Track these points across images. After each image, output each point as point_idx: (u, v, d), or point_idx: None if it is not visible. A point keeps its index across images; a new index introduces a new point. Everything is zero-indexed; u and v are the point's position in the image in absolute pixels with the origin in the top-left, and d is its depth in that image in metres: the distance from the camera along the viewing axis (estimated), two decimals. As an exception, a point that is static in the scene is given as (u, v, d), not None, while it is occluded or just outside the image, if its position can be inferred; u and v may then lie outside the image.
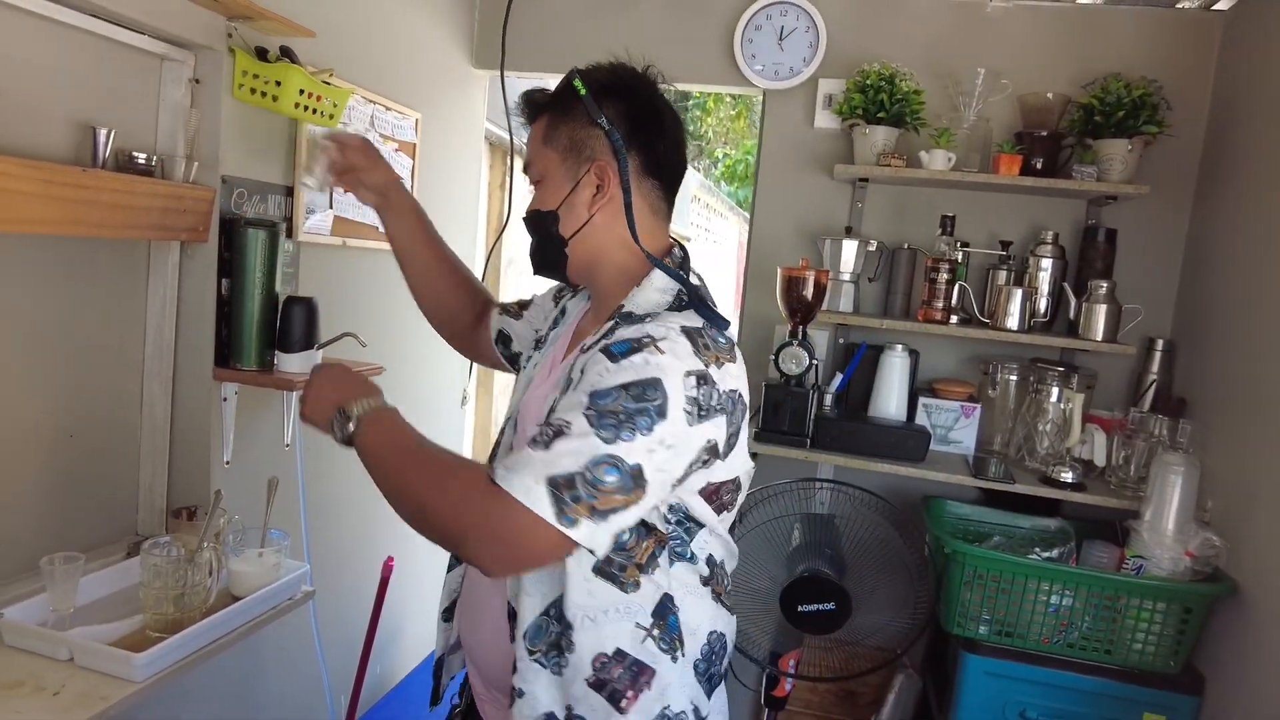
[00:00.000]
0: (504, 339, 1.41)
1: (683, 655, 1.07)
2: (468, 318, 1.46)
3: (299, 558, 1.89)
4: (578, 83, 1.09)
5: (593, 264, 1.15)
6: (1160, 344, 2.21)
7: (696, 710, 1.09)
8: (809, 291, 2.08)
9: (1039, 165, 2.19)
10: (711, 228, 10.48)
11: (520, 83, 2.80)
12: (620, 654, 1.05)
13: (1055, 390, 2.14)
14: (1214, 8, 2.24)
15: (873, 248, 2.36)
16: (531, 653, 1.07)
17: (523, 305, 1.41)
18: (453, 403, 2.92)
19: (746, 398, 1.06)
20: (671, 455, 0.96)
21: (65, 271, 1.48)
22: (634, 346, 0.98)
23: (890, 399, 2.23)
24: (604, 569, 1.04)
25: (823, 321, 2.25)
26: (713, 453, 1.01)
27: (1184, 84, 2.20)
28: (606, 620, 1.05)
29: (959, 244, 2.27)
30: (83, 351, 1.54)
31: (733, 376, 1.02)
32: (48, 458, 1.50)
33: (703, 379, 0.98)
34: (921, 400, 2.27)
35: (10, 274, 1.38)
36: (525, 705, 1.07)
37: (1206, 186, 2.21)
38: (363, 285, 2.19)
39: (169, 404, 1.70)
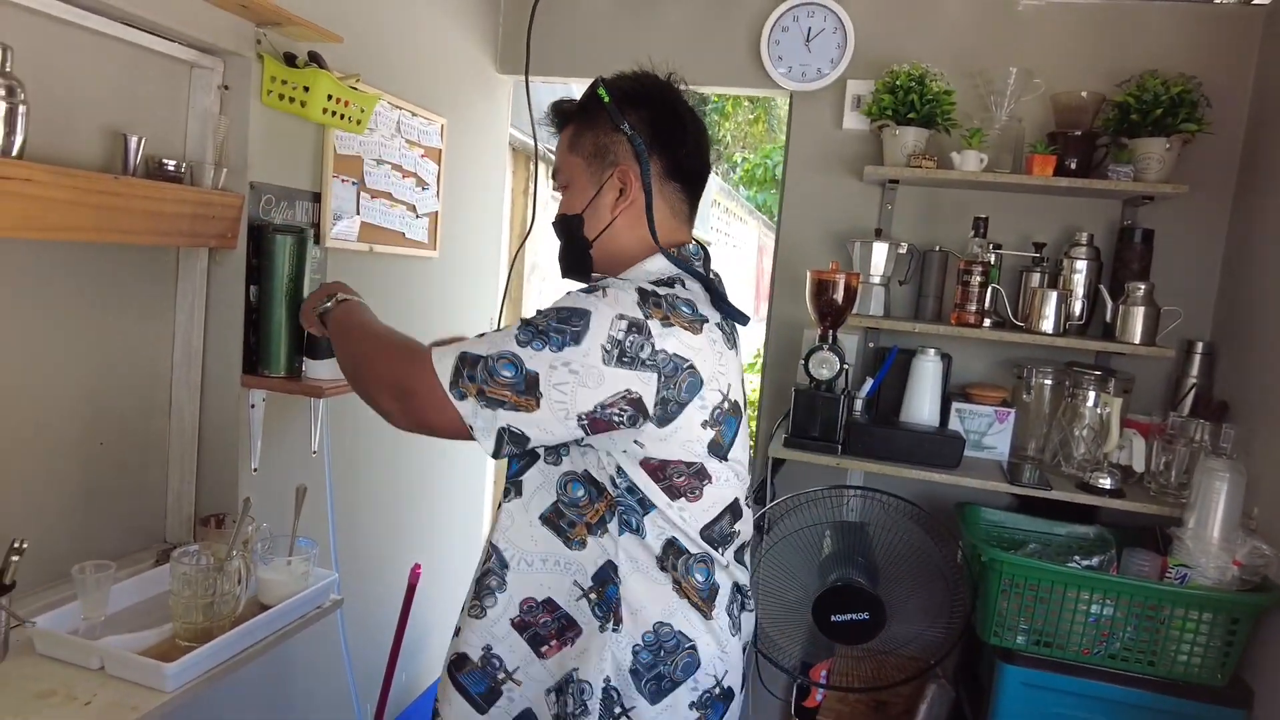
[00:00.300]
0: None
1: (615, 630, 1.07)
2: None
3: (327, 565, 1.89)
4: (601, 91, 1.14)
5: (615, 265, 1.18)
6: (1200, 346, 2.16)
7: (620, 697, 1.07)
8: (839, 295, 2.04)
9: (1073, 165, 2.14)
10: (731, 232, 10.45)
11: (545, 88, 2.80)
12: (551, 603, 1.11)
13: (1092, 394, 2.10)
14: (1254, 2, 2.19)
15: (903, 250, 2.33)
16: (470, 609, 1.16)
17: None
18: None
19: (705, 375, 1.06)
20: (574, 381, 1.00)
21: (96, 279, 1.48)
22: (588, 289, 1.06)
23: (923, 404, 2.19)
24: (551, 519, 1.11)
25: (852, 325, 2.22)
26: (636, 407, 1.02)
27: (1223, 80, 2.15)
28: (544, 569, 1.11)
29: (991, 246, 2.23)
30: (112, 359, 1.54)
31: (682, 343, 1.04)
32: (79, 465, 1.49)
33: (635, 326, 1.02)
34: (954, 405, 2.23)
35: (42, 282, 1.38)
36: (449, 652, 1.17)
37: (1247, 184, 2.16)
38: (390, 291, 2.18)
39: (197, 411, 1.69)
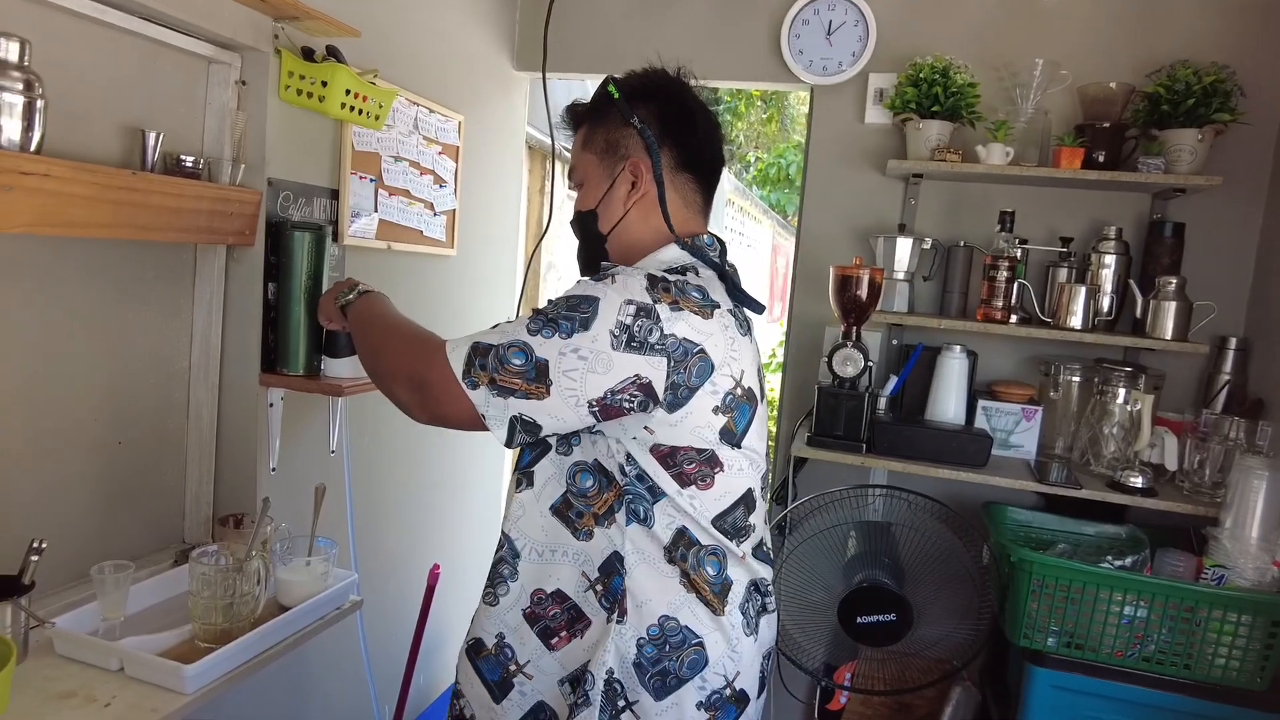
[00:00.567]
0: None
1: (619, 622, 1.06)
2: None
3: (346, 566, 1.87)
4: (611, 87, 1.17)
5: (630, 257, 1.18)
6: (1233, 342, 2.11)
7: (623, 690, 1.06)
8: (863, 291, 2.01)
9: (1101, 158, 2.10)
10: (745, 231, 10.41)
11: (562, 85, 2.78)
12: (560, 594, 1.11)
13: (1122, 391, 2.05)
14: (1287, -10, 2.14)
15: (927, 245, 2.29)
16: (485, 595, 1.18)
17: None
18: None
19: (717, 360, 1.05)
20: (584, 367, 1.00)
21: (114, 277, 1.47)
22: (596, 277, 1.06)
23: (948, 402, 2.15)
24: (561, 510, 1.11)
25: (875, 322, 2.18)
26: (646, 392, 1.01)
27: (1257, 69, 2.10)
28: (554, 559, 1.11)
29: (1017, 241, 2.19)
30: (131, 358, 1.53)
31: (691, 327, 1.03)
32: (97, 465, 1.48)
33: (644, 311, 1.01)
34: (980, 403, 2.19)
35: (61, 280, 1.37)
36: (467, 635, 1.20)
37: (1283, 176, 2.11)
38: (409, 289, 2.16)
39: (215, 410, 1.68)
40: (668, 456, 1.06)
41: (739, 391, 1.09)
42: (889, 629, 1.88)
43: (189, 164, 1.47)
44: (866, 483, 2.25)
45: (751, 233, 10.82)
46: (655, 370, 1.01)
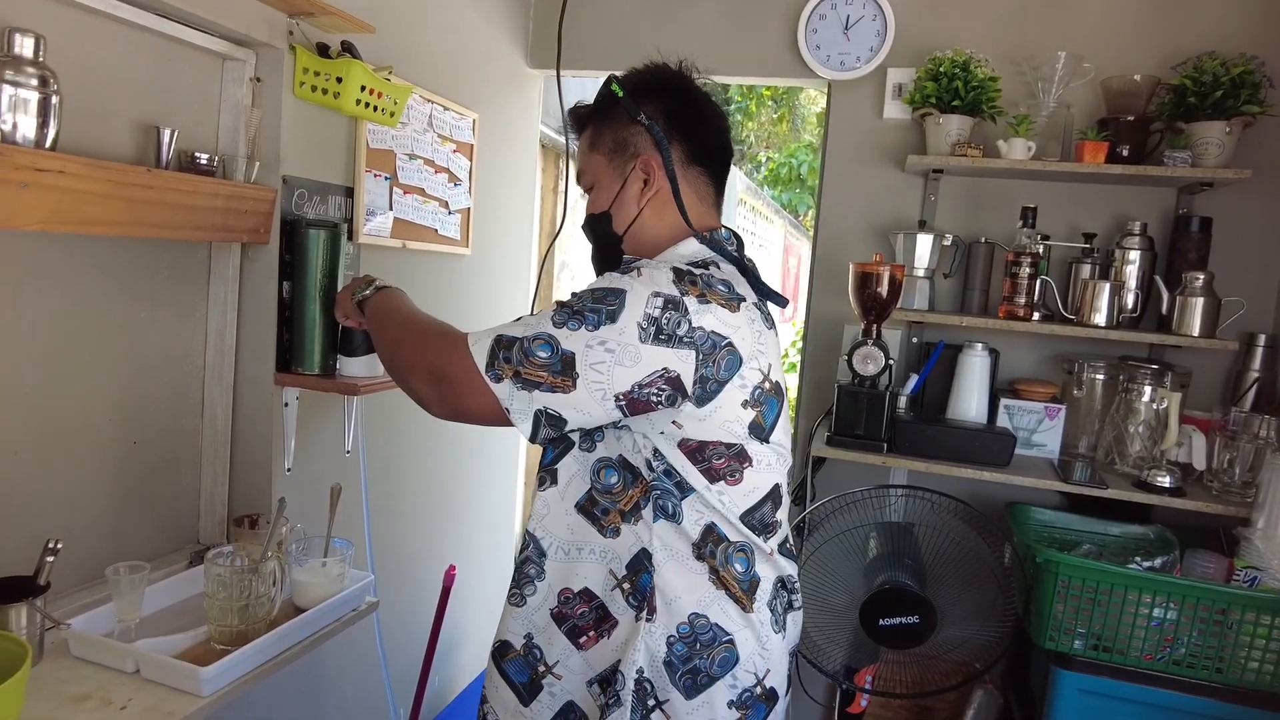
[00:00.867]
0: None
1: (648, 620, 1.05)
2: None
3: (362, 567, 1.85)
4: (615, 86, 1.16)
5: (647, 255, 1.16)
6: (1263, 339, 2.07)
7: (654, 689, 1.05)
8: (884, 288, 1.98)
9: (1125, 152, 2.06)
10: (757, 231, 10.37)
11: (576, 83, 2.76)
12: (588, 593, 1.09)
13: (1148, 389, 2.02)
14: (1316, -21, 2.10)
15: (948, 242, 2.26)
16: (511, 596, 1.15)
17: None
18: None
19: (745, 353, 1.04)
20: (611, 360, 0.98)
21: (128, 276, 1.46)
22: (621, 270, 1.05)
23: (970, 400, 2.12)
24: (586, 508, 1.09)
25: (895, 320, 2.15)
26: (675, 386, 1.00)
27: (1285, 60, 2.06)
28: (580, 558, 1.09)
29: (1040, 237, 2.15)
30: (145, 357, 1.51)
31: (719, 319, 1.02)
32: (112, 465, 1.47)
33: (671, 303, 1.00)
34: (1002, 401, 2.15)
35: (76, 279, 1.36)
36: (494, 639, 1.17)
37: (1313, 169, 2.06)
38: (423, 288, 2.15)
39: (230, 410, 1.66)
40: (696, 451, 1.04)
41: (767, 385, 1.07)
42: (912, 631, 1.85)
43: (204, 161, 1.46)
44: (884, 483, 2.22)
45: (763, 232, 10.78)
46: (684, 363, 0.99)
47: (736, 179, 7.81)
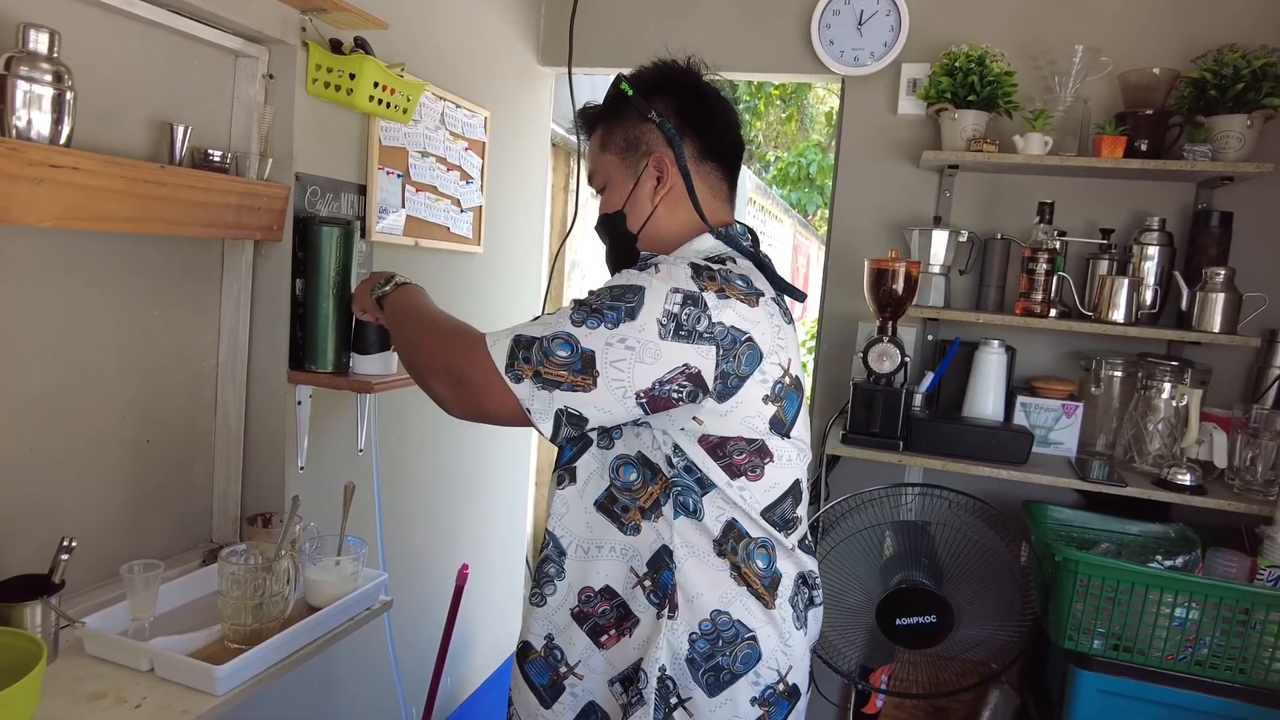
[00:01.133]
0: None
1: (670, 618, 1.04)
2: None
3: (375, 566, 1.85)
4: (624, 85, 1.15)
5: (663, 252, 1.15)
6: (1285, 336, 2.05)
7: (676, 687, 1.04)
8: (899, 285, 1.96)
9: (1144, 147, 2.04)
10: (766, 230, 10.34)
11: (587, 80, 2.75)
12: (609, 591, 1.08)
13: (1167, 386, 1.99)
14: (1338, -29, 2.07)
15: (963, 238, 2.24)
16: (531, 597, 1.14)
17: None
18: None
19: (765, 348, 1.03)
20: (631, 357, 0.97)
21: (141, 273, 1.45)
22: (638, 267, 1.04)
23: (986, 398, 2.10)
24: (606, 505, 1.08)
25: (911, 316, 2.13)
26: (696, 382, 0.99)
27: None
28: (600, 556, 1.08)
29: (1057, 233, 2.13)
30: (158, 355, 1.51)
31: (739, 314, 1.01)
32: (125, 463, 1.47)
33: (691, 299, 0.99)
34: (1019, 399, 2.13)
35: (89, 276, 1.35)
36: (518, 640, 1.16)
37: (1334, 163, 2.03)
38: (435, 286, 2.12)
39: (243, 408, 1.66)
40: (717, 447, 1.03)
41: (787, 380, 1.06)
42: (929, 631, 1.84)
43: (216, 158, 1.45)
44: (900, 482, 2.20)
45: (773, 232, 10.75)
46: (704, 359, 0.98)
47: (747, 178, 7.79)
